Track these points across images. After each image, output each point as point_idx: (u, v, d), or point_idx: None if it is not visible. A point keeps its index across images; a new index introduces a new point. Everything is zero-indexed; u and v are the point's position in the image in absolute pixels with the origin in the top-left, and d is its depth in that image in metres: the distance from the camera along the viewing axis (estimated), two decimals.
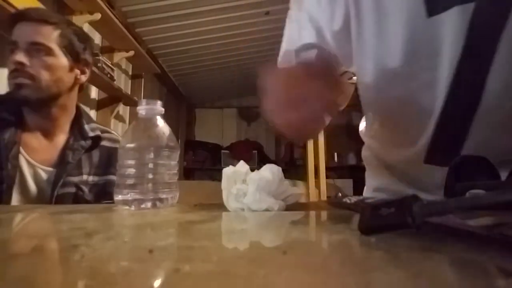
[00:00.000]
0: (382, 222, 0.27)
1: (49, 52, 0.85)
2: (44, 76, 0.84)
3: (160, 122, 0.57)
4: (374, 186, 0.68)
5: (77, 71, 0.92)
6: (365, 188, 0.73)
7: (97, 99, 2.37)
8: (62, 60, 0.87)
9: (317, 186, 2.54)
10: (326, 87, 0.46)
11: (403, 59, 0.50)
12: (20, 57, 0.81)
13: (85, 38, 0.96)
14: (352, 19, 0.54)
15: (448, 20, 0.46)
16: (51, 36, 0.86)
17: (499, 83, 0.46)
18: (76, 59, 0.91)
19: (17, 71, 0.81)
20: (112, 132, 1.03)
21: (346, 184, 3.73)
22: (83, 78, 0.94)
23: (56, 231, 0.37)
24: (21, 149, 0.83)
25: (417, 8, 0.47)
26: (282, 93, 0.46)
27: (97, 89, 2.32)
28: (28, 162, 0.85)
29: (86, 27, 2.12)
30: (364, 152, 0.74)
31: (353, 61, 0.58)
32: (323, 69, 0.51)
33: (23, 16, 0.86)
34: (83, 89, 0.98)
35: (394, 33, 0.50)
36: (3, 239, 0.31)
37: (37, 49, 0.83)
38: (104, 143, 0.97)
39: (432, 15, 0.47)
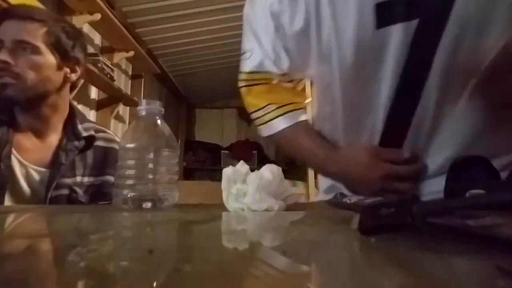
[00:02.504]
0: (382, 222, 0.27)
1: (35, 50, 0.82)
2: (30, 75, 0.81)
3: (160, 122, 0.57)
4: (326, 187, 0.73)
5: (67, 70, 0.88)
6: (319, 192, 0.79)
7: (97, 99, 2.37)
8: (49, 58, 0.84)
9: (317, 186, 2.54)
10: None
11: (354, 64, 0.56)
12: (5, 56, 0.78)
13: (74, 35, 0.92)
14: (311, 23, 0.59)
15: (393, 34, 0.52)
16: (37, 34, 0.82)
17: (434, 86, 0.53)
18: (64, 57, 0.87)
19: (2, 70, 0.78)
20: (108, 131, 1.00)
21: None
22: (74, 76, 0.91)
23: (56, 231, 0.37)
24: (13, 149, 0.81)
25: (367, 20, 0.52)
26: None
27: (97, 90, 2.32)
28: (20, 163, 0.83)
29: (86, 27, 2.13)
30: None
31: (310, 64, 0.63)
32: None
33: (9, 13, 0.83)
34: (75, 88, 0.95)
35: (347, 40, 0.55)
36: (2, 239, 0.31)
37: (23, 47, 0.80)
38: (98, 143, 0.94)
39: (380, 27, 0.52)
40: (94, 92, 2.32)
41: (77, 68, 0.91)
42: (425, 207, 0.25)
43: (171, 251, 0.27)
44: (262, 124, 0.69)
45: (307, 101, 0.75)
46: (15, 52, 0.80)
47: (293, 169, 4.35)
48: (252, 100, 0.71)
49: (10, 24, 0.81)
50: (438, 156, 0.57)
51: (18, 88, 0.80)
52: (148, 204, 0.52)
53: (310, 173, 2.55)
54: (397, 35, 0.52)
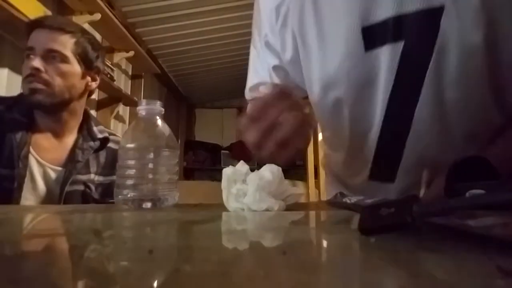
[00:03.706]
0: (382, 222, 0.27)
1: (64, 59, 0.88)
2: (58, 82, 0.87)
3: (160, 122, 0.57)
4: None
5: (89, 78, 0.96)
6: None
7: (97, 99, 2.37)
8: (76, 67, 0.91)
9: (317, 186, 2.54)
10: (298, 102, 0.50)
11: (344, 88, 0.55)
12: (37, 63, 0.84)
13: (98, 47, 1.00)
14: (299, 49, 0.59)
15: (382, 55, 0.51)
16: (67, 44, 0.89)
17: (426, 111, 0.51)
18: (88, 66, 0.95)
19: (32, 76, 0.85)
20: (117, 135, 1.08)
21: None
22: (94, 85, 0.99)
23: (56, 231, 0.37)
24: (31, 149, 0.87)
25: (355, 43, 0.52)
26: (261, 120, 0.48)
27: (97, 89, 2.32)
28: (38, 162, 0.88)
29: (86, 27, 2.12)
30: (323, 160, 0.79)
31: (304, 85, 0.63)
32: (290, 89, 0.55)
33: (41, 23, 0.89)
34: (91, 94, 1.03)
35: (336, 65, 0.54)
36: (4, 239, 0.31)
37: (53, 56, 0.87)
38: (110, 145, 1.01)
39: (368, 50, 0.51)
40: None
41: (97, 77, 1.00)
42: (425, 207, 0.25)
43: (171, 251, 0.27)
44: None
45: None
46: (45, 60, 0.86)
47: (293, 169, 4.35)
48: None
49: (41, 33, 0.88)
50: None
51: (46, 93, 0.86)
52: (148, 204, 0.52)
53: (310, 173, 2.55)
54: (385, 57, 0.51)
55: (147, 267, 0.21)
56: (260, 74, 0.68)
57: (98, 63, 0.99)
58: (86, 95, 0.99)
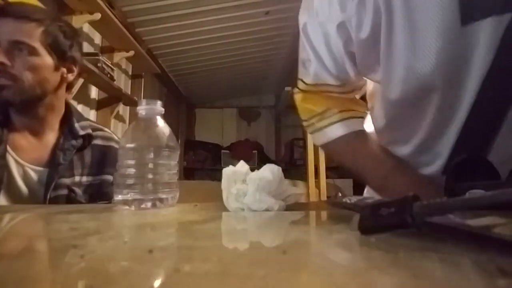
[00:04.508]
0: (382, 222, 0.27)
1: (32, 51, 0.79)
2: (28, 77, 0.78)
3: (160, 122, 0.57)
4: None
5: (64, 70, 0.86)
6: (366, 188, 0.73)
7: (97, 99, 2.37)
8: (46, 59, 0.82)
9: (317, 186, 2.54)
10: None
11: (434, 70, 0.47)
12: (1, 57, 0.76)
13: (72, 34, 0.89)
14: (382, 29, 0.50)
15: (482, 30, 0.43)
16: (34, 34, 0.79)
17: None
18: (62, 57, 0.85)
19: None
20: (106, 129, 0.99)
21: (346, 184, 3.73)
22: (70, 76, 0.89)
23: (56, 231, 0.37)
24: (9, 148, 0.80)
25: (451, 16, 0.44)
26: None
27: (97, 89, 2.32)
28: (17, 162, 0.81)
29: (86, 27, 2.13)
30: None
31: (377, 70, 0.55)
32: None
33: (3, 12, 0.79)
34: (72, 87, 0.94)
35: (426, 44, 0.46)
36: (1, 239, 0.31)
37: (19, 48, 0.78)
38: (96, 141, 0.92)
39: (467, 24, 0.44)
40: (94, 92, 2.33)
41: (74, 68, 0.89)
42: (425, 207, 0.25)
43: (171, 251, 0.27)
44: (318, 130, 0.63)
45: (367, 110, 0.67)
46: (11, 53, 0.77)
47: (293, 169, 4.36)
48: (308, 105, 0.64)
49: (5, 24, 0.78)
50: None
51: (14, 90, 0.78)
52: (148, 204, 0.52)
53: (310, 173, 2.55)
54: (486, 32, 0.43)
55: (147, 267, 0.21)
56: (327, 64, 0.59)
57: (73, 52, 0.88)
58: (63, 88, 0.89)
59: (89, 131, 0.91)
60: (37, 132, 0.86)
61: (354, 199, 0.51)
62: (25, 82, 0.78)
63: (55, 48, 0.83)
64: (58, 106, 0.89)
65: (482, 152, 0.49)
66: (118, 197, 0.53)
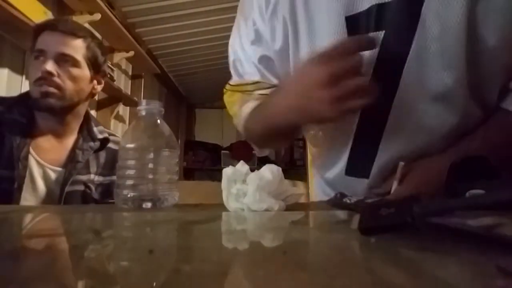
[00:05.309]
0: (382, 222, 0.27)
1: (75, 63, 0.90)
2: (69, 86, 0.89)
3: (160, 122, 0.57)
4: (322, 189, 0.72)
5: (95, 82, 0.98)
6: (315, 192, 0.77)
7: (97, 99, 2.37)
8: (85, 72, 0.93)
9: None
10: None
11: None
12: (49, 66, 0.86)
13: (106, 51, 1.02)
14: (290, 38, 0.57)
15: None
16: (79, 49, 0.91)
17: (403, 105, 0.51)
18: (97, 71, 0.97)
19: (44, 79, 0.86)
20: (117, 135, 1.09)
21: None
22: (99, 88, 1.01)
23: (56, 231, 0.37)
24: (31, 150, 0.87)
25: (340, 30, 0.51)
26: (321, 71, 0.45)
27: None
28: (38, 163, 0.88)
29: (86, 27, 2.13)
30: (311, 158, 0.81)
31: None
32: None
33: (52, 26, 0.90)
34: (94, 96, 1.05)
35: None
36: (5, 239, 0.31)
37: (65, 59, 0.88)
38: (110, 145, 1.02)
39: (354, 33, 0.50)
40: None
41: (102, 80, 1.02)
42: (425, 207, 0.25)
43: (171, 251, 0.27)
44: (238, 116, 0.67)
45: None
46: (57, 63, 0.88)
47: (293, 169, 4.35)
48: (229, 98, 0.70)
49: (53, 37, 0.89)
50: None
51: (57, 97, 0.88)
52: (148, 204, 0.52)
53: (310, 173, 2.55)
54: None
55: (147, 267, 0.21)
56: (246, 67, 0.65)
57: (105, 67, 1.01)
58: (90, 98, 1.01)
59: (106, 135, 1.01)
60: (59, 135, 0.95)
61: (354, 199, 0.51)
62: (67, 90, 0.89)
63: (93, 63, 0.95)
64: (82, 113, 1.00)
65: (372, 150, 0.56)
66: (118, 197, 0.53)
